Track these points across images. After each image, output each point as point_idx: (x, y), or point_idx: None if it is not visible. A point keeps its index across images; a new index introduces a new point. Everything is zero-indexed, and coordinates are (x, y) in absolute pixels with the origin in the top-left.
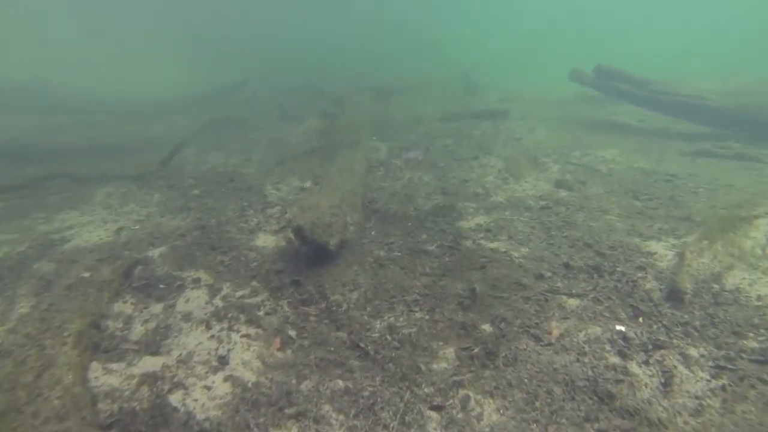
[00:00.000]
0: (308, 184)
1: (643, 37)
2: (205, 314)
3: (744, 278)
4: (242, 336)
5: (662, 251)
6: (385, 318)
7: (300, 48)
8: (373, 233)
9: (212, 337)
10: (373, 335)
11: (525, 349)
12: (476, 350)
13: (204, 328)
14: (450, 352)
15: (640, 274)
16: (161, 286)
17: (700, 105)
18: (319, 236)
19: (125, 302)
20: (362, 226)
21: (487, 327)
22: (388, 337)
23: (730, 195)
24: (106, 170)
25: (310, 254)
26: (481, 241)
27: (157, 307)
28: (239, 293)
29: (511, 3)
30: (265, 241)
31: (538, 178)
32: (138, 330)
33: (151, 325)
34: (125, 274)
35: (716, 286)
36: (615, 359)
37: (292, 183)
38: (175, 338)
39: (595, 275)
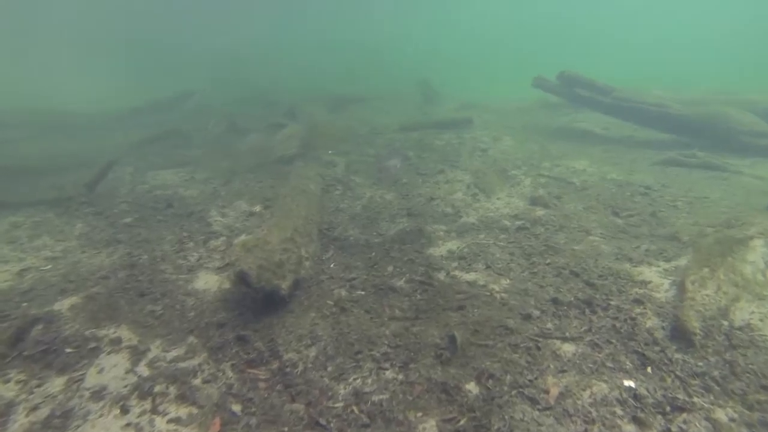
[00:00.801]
0: (258, 208)
1: (595, 48)
2: (124, 389)
3: (753, 312)
4: (170, 421)
5: (657, 279)
6: (351, 380)
7: (254, 58)
8: (332, 266)
9: (128, 425)
10: (337, 406)
11: (522, 419)
12: (462, 422)
13: (118, 412)
14: (431, 426)
15: (638, 310)
16: (67, 350)
17: (662, 113)
18: (267, 281)
19: (7, 381)
20: (320, 259)
21: (472, 387)
22: (354, 408)
23: (709, 209)
24: (11, 195)
25: (259, 301)
26: (456, 272)
27: (56, 384)
28: (171, 355)
29: (466, 8)
30: (207, 282)
31: (510, 194)
32: (20, 423)
33: (43, 412)
34: (14, 339)
35: (725, 323)
36: (630, 428)
37: (240, 207)
38: (76, 431)
39: (588, 312)
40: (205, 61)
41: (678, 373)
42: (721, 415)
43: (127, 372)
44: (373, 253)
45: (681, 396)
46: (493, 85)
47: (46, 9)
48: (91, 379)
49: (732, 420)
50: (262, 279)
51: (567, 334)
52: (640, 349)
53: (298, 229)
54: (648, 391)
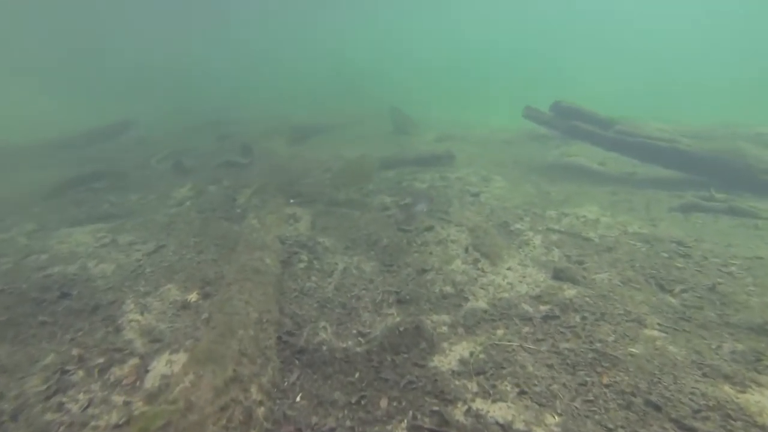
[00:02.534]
0: (194, 296)
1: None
2: None
3: None
4: None
5: None
6: None
7: (207, 82)
8: (297, 400)
9: None
10: None
11: None
12: None
13: None
14: None
15: None
16: None
17: (672, 149)
18: None
19: None
20: (279, 389)
21: None
22: None
23: None
24: None
25: None
26: (479, 404)
27: None
28: None
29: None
30: None
31: (522, 261)
32: None
33: None
34: None
35: None
36: None
37: (170, 294)
38: None
39: None
40: (154, 82)
41: None
42: None
43: None
44: (357, 374)
45: None
46: (466, 111)
47: None
48: None
49: None
50: None
51: None
52: None
53: (247, 349)
54: None
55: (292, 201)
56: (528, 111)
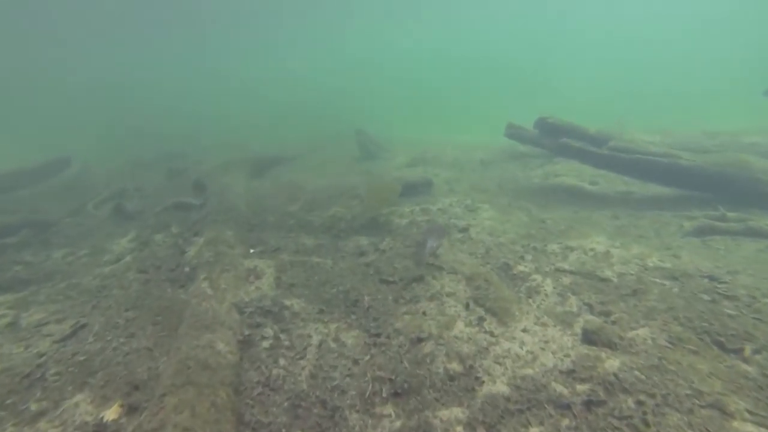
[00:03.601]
0: (113, 412)
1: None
2: None
3: None
4: None
5: None
6: None
7: (161, 110)
8: None
9: None
10: None
11: None
12: None
13: None
14: None
15: None
16: None
17: (672, 165)
18: None
19: None
20: None
21: None
22: None
23: None
24: None
25: None
26: None
27: None
28: None
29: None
30: None
31: (539, 317)
32: None
33: None
34: None
35: None
36: None
37: (77, 412)
38: None
39: None
40: (99, 112)
41: None
42: None
43: None
44: None
45: None
46: (437, 129)
47: None
48: None
49: None
50: None
51: None
52: None
53: None
54: None
55: (252, 251)
56: (510, 129)
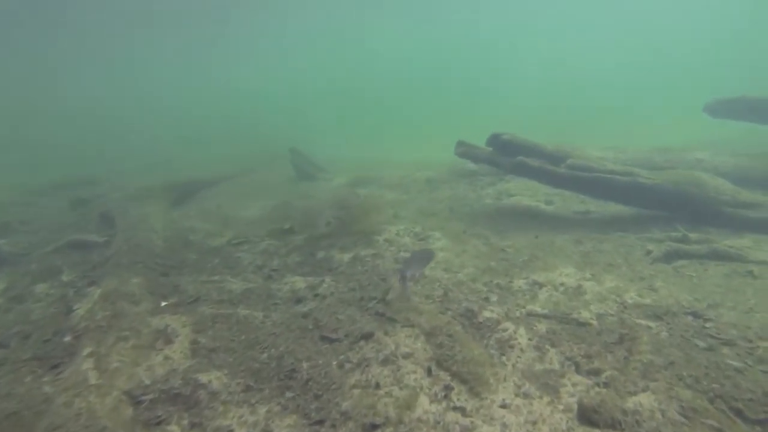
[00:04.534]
0: None
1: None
2: None
3: None
4: None
5: None
6: None
7: (69, 129)
8: None
9: None
10: None
11: None
12: None
13: None
14: None
15: None
16: None
17: (632, 184)
18: None
19: None
20: None
21: None
22: None
23: None
24: None
25: None
26: None
27: None
28: None
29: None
30: None
31: (518, 384)
32: None
33: None
34: None
35: None
36: None
37: None
38: None
39: None
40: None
41: None
42: None
43: None
44: None
45: None
46: (378, 147)
47: None
48: None
49: None
50: None
51: None
52: None
53: None
54: None
55: (164, 303)
56: (461, 148)
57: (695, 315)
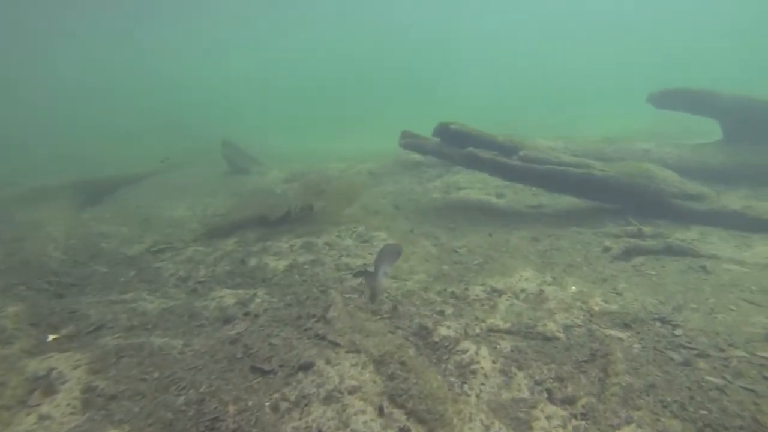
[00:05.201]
0: None
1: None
2: None
3: None
4: None
5: None
6: None
7: None
8: None
9: None
10: None
11: None
12: None
13: None
14: None
15: None
16: None
17: (587, 176)
18: None
19: None
20: None
21: None
22: None
23: None
24: None
25: None
26: None
27: None
28: None
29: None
30: None
31: (486, 423)
32: None
33: None
34: None
35: None
36: None
37: None
38: None
39: None
40: None
41: None
42: None
43: None
44: None
45: None
46: (318, 138)
47: None
48: None
49: None
50: None
51: None
52: None
53: None
54: None
55: (51, 337)
56: (406, 138)
57: (663, 321)
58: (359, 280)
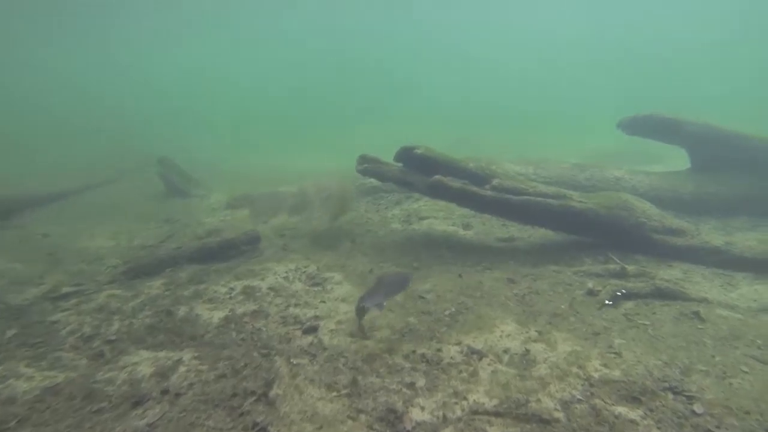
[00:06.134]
0: None
1: None
2: None
3: None
4: None
5: None
6: None
7: None
8: None
9: None
10: None
11: None
12: None
13: None
14: None
15: None
16: None
17: (566, 209)
18: None
19: None
20: None
21: None
22: None
23: None
24: None
25: None
26: None
27: None
28: None
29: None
30: None
31: None
32: None
33: None
34: None
35: None
36: None
37: None
38: None
39: None
40: None
41: None
42: None
43: None
44: None
45: None
46: (268, 154)
47: None
48: None
49: None
50: None
51: None
52: None
53: None
54: None
55: None
56: (365, 164)
57: (675, 391)
58: (310, 338)
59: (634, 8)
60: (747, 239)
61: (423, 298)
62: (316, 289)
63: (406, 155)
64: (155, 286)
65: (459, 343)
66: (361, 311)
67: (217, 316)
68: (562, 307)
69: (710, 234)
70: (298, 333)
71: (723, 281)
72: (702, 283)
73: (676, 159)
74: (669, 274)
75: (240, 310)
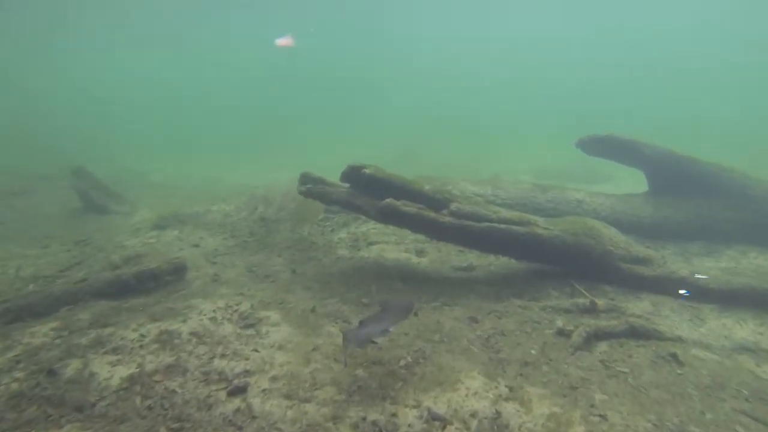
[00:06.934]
0: None
1: None
2: None
3: None
4: None
5: None
6: None
7: None
8: None
9: None
10: None
11: None
12: None
13: None
14: None
15: None
16: None
17: (532, 236)
18: None
19: None
20: None
21: None
22: None
23: None
24: None
25: None
26: None
27: None
28: None
29: None
30: None
31: None
32: None
33: None
34: None
35: None
36: None
37: None
38: None
39: None
40: None
41: None
42: None
43: None
44: None
45: None
46: (203, 165)
47: None
48: None
49: None
50: None
51: None
52: None
53: None
54: None
55: None
56: (307, 184)
57: None
58: (237, 402)
59: (578, 26)
60: (710, 269)
61: (374, 343)
62: (248, 332)
63: (354, 175)
64: (41, 332)
65: (418, 405)
66: (351, 341)
67: (120, 374)
68: (533, 352)
69: (676, 263)
70: (223, 395)
71: (691, 314)
72: (671, 317)
73: (626, 179)
74: (639, 307)
75: (151, 365)
